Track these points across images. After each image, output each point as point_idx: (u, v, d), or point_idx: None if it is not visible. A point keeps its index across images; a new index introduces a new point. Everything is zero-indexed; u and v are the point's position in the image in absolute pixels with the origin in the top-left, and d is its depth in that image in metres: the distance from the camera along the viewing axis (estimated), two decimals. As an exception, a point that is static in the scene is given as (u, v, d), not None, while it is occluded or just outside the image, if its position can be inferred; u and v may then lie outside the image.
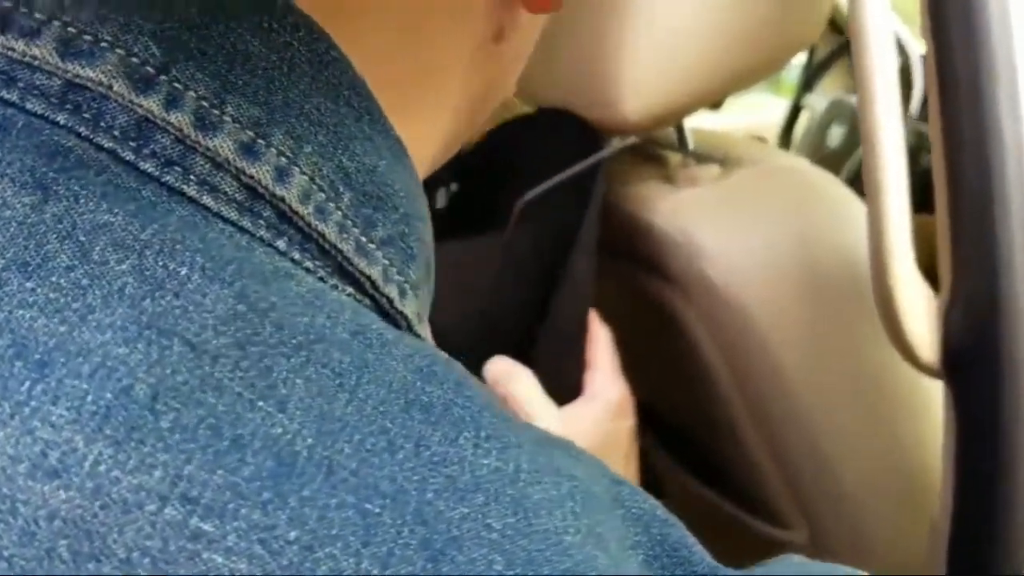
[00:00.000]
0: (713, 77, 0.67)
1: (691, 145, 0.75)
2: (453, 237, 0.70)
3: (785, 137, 2.00)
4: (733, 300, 0.65)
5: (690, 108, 0.69)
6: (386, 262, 0.24)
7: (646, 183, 0.75)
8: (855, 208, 0.68)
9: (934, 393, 0.56)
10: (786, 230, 0.67)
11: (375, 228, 0.24)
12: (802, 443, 0.67)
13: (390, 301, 0.24)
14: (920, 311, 0.51)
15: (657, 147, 0.81)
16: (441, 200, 0.79)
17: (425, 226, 0.27)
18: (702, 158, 0.74)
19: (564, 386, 0.63)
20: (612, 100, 0.66)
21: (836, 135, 1.84)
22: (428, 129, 0.30)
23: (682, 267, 0.68)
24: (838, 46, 1.89)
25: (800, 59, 2.27)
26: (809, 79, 1.95)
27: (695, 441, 0.88)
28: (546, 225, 0.70)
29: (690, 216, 0.69)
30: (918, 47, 1.72)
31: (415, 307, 0.26)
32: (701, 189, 0.71)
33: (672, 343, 0.75)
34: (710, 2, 0.63)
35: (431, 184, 0.80)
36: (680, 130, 0.74)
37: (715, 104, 0.73)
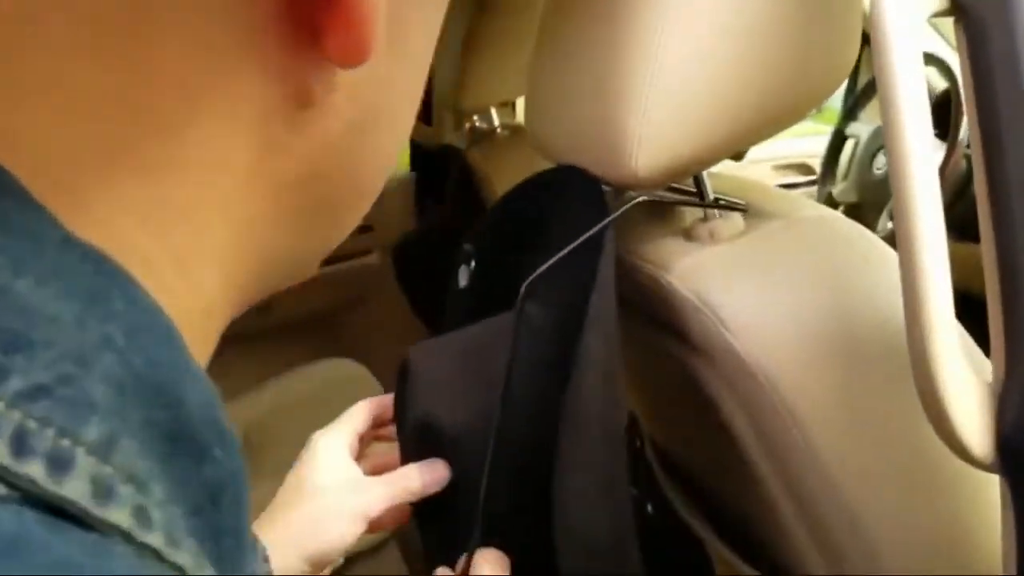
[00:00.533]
0: (730, 130, 0.61)
1: (711, 193, 0.68)
2: (478, 317, 0.70)
3: (829, 165, 1.93)
4: (759, 371, 0.59)
5: (707, 162, 0.63)
6: (31, 424, 0.17)
7: (663, 239, 0.69)
8: (891, 265, 0.61)
9: (992, 476, 0.49)
10: (816, 292, 0.60)
11: (7, 378, 0.17)
12: (842, 523, 0.59)
13: (32, 481, 0.17)
14: (969, 401, 0.44)
15: (674, 196, 0.75)
16: (464, 279, 0.77)
17: (140, 355, 0.19)
18: (723, 210, 0.67)
19: (594, 486, 0.60)
20: (620, 155, 0.61)
21: (883, 163, 1.76)
22: (191, 235, 0.22)
23: (702, 334, 0.62)
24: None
25: (842, 86, 2.20)
26: (852, 106, 1.88)
27: (732, 511, 0.81)
28: (559, 295, 0.65)
29: (710, 278, 0.62)
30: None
31: (90, 473, 0.17)
32: (722, 247, 0.64)
33: (701, 412, 0.68)
34: (723, 52, 0.57)
35: (453, 263, 0.78)
36: (699, 181, 0.67)
37: (736, 156, 0.66)
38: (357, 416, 0.70)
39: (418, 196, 2.04)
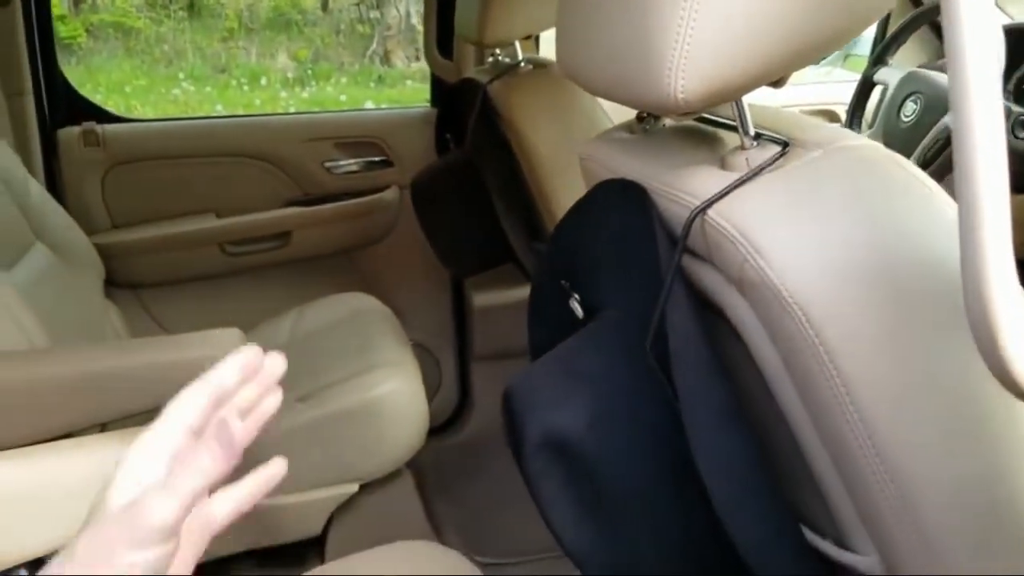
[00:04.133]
0: (776, 51, 0.59)
1: (750, 122, 0.67)
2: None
3: (855, 112, 1.90)
4: (797, 305, 0.58)
5: (747, 87, 0.62)
6: None
7: (697, 168, 0.68)
8: (938, 198, 0.60)
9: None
10: (857, 224, 0.59)
11: None
12: (874, 464, 0.59)
13: None
14: None
15: (711, 125, 0.74)
16: (579, 310, 0.82)
17: None
18: (761, 139, 0.66)
19: (715, 414, 0.66)
20: (657, 79, 0.61)
21: (911, 110, 1.73)
22: None
23: (737, 266, 0.61)
24: (912, 17, 1.79)
25: (871, 31, 2.15)
26: (882, 52, 1.84)
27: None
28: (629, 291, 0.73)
29: (749, 209, 0.61)
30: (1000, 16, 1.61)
31: None
32: (761, 177, 0.63)
33: (731, 345, 0.68)
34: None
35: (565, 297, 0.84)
36: (739, 109, 0.66)
37: (776, 82, 0.65)
38: (184, 409, 0.54)
39: (439, 131, 2.03)
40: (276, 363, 0.56)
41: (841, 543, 0.69)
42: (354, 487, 1.57)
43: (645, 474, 0.71)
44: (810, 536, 0.72)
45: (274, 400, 0.57)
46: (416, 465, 1.66)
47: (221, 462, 0.47)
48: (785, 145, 0.64)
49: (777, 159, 0.63)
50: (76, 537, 0.49)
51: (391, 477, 1.62)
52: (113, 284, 1.93)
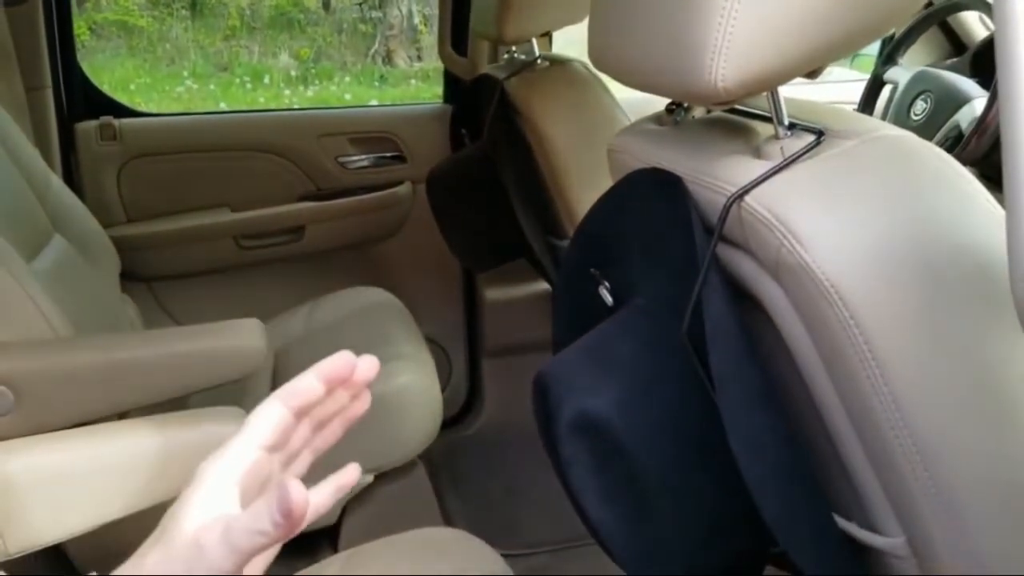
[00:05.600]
0: (811, 43, 0.61)
1: (785, 111, 0.69)
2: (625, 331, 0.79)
3: (865, 111, 1.91)
4: (833, 290, 0.59)
5: (785, 76, 0.64)
6: None
7: (732, 157, 0.70)
8: (973, 187, 0.62)
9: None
10: (893, 211, 0.60)
11: None
12: (907, 447, 0.60)
13: None
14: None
15: (746, 116, 0.76)
16: (608, 298, 0.83)
17: None
18: (796, 129, 0.68)
19: (747, 392, 0.67)
20: (697, 68, 0.62)
21: (921, 109, 1.75)
22: None
23: (774, 251, 0.63)
24: (922, 16, 1.80)
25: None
26: (892, 51, 1.86)
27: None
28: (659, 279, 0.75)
29: (782, 194, 0.63)
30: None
31: None
32: (797, 165, 0.65)
33: (765, 332, 0.69)
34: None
35: (594, 283, 0.86)
36: (774, 97, 0.68)
37: (811, 73, 0.67)
38: (260, 425, 0.52)
39: (454, 127, 2.04)
40: (368, 367, 0.54)
41: (868, 526, 0.70)
42: (369, 478, 1.58)
43: (675, 457, 0.73)
44: (836, 519, 0.74)
45: (362, 404, 0.57)
46: (426, 458, 1.68)
47: (283, 531, 0.46)
48: (820, 134, 0.66)
49: (812, 147, 0.65)
50: (150, 549, 0.50)
51: (405, 468, 1.63)
52: (127, 277, 1.95)
